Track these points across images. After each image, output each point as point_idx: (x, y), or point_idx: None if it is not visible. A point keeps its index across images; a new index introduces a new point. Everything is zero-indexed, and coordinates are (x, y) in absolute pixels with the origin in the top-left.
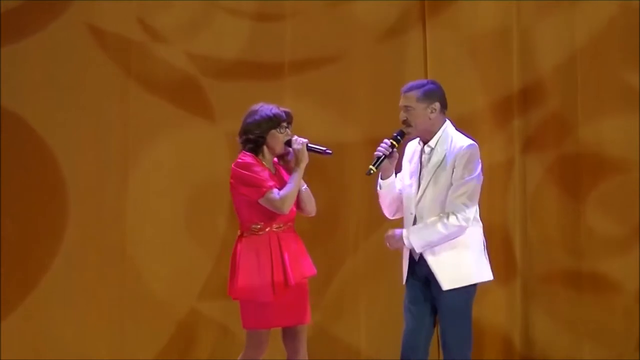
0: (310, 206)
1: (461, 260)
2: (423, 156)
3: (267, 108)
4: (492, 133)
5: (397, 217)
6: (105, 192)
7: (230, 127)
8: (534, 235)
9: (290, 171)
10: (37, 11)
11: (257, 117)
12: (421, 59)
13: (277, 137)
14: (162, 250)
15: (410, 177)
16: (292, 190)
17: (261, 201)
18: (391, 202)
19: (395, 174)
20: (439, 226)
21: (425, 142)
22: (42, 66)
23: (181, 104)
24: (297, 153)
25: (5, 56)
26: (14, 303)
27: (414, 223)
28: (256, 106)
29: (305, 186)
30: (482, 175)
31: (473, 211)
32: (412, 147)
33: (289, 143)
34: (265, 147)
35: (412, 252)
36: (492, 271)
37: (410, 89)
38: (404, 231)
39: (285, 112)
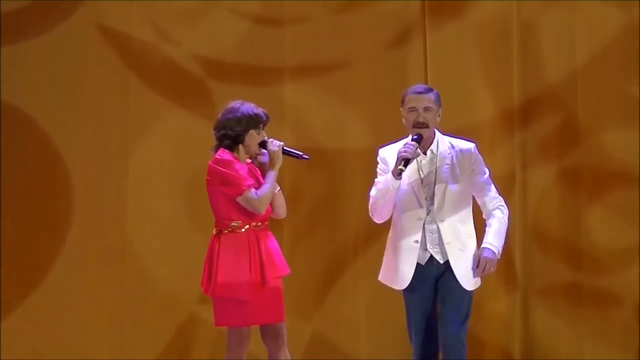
0: (282, 209)
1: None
2: (423, 161)
3: (248, 106)
4: (494, 146)
5: (385, 219)
6: (106, 192)
7: None
8: (534, 248)
9: (264, 172)
10: (45, 11)
11: (238, 114)
12: (422, 66)
13: (254, 137)
14: (163, 250)
15: (411, 183)
16: (269, 191)
17: (239, 199)
18: (392, 206)
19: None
20: (504, 223)
21: (423, 147)
22: (48, 65)
23: (184, 104)
24: (272, 155)
25: (11, 55)
26: (14, 303)
27: (424, 227)
28: (236, 103)
29: (278, 188)
30: None
31: None
32: (393, 153)
33: (264, 144)
34: (241, 146)
35: (419, 258)
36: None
37: (429, 91)
38: (491, 245)
39: (264, 113)
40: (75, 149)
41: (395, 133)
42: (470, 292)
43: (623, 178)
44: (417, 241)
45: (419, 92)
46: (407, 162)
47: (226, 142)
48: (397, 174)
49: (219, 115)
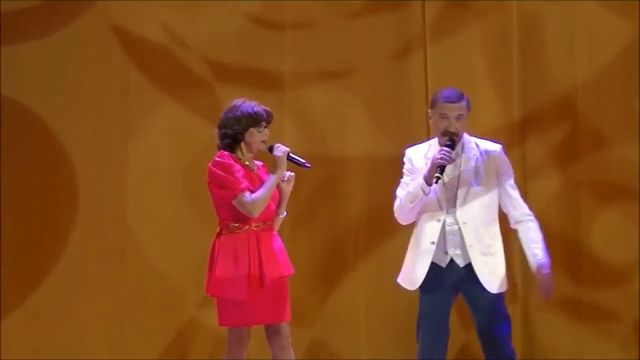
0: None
1: (500, 265)
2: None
3: (248, 105)
4: None
5: (411, 222)
6: (106, 192)
7: None
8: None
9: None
10: (49, 12)
11: (237, 112)
12: (422, 77)
13: (255, 136)
14: (163, 250)
15: (434, 185)
16: (264, 195)
17: (234, 202)
18: (419, 210)
19: None
20: (538, 229)
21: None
22: (51, 64)
23: (190, 105)
24: (276, 160)
25: (12, 54)
26: (15, 303)
27: (444, 229)
28: (238, 101)
29: (285, 214)
30: None
31: None
32: (419, 153)
33: (271, 149)
34: (243, 144)
35: (439, 260)
36: None
37: (461, 98)
38: (540, 259)
39: (266, 111)
40: (80, 148)
41: (396, 144)
42: (500, 292)
43: (624, 192)
44: (433, 242)
45: (452, 101)
46: (443, 168)
47: (226, 141)
48: (434, 181)
49: (222, 114)
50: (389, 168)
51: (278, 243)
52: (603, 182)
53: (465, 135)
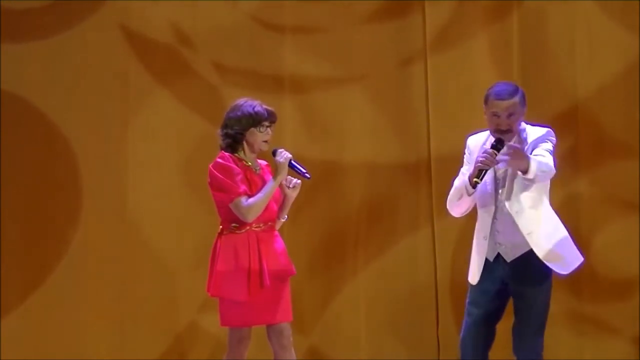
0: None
1: (565, 242)
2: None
3: (249, 105)
4: None
5: (463, 214)
6: (106, 192)
7: None
8: None
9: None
10: (68, 10)
11: (238, 112)
12: (423, 86)
13: (256, 136)
14: (163, 250)
15: (486, 179)
16: (261, 200)
17: (230, 206)
18: (467, 207)
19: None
20: (549, 165)
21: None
22: (63, 64)
23: (194, 107)
24: (278, 166)
25: (13, 53)
26: (15, 303)
27: (495, 219)
28: (240, 101)
29: (286, 217)
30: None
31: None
32: (477, 143)
33: (274, 153)
34: (245, 144)
35: (489, 254)
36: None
37: (513, 94)
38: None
39: (268, 110)
40: (85, 148)
41: (396, 151)
42: (545, 297)
43: (625, 208)
44: (485, 237)
45: (502, 98)
46: (483, 173)
47: (227, 141)
48: (473, 185)
49: (225, 113)
50: (388, 173)
51: (279, 243)
52: (604, 196)
53: (522, 125)
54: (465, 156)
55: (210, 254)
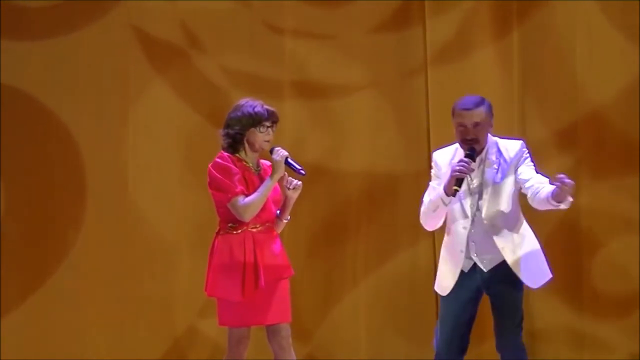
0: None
1: (538, 256)
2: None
3: (250, 105)
4: None
5: (436, 228)
6: (106, 191)
7: None
8: (535, 292)
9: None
10: (80, 10)
11: (239, 112)
12: (423, 90)
13: (256, 136)
14: (163, 250)
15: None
16: (258, 199)
17: (228, 205)
18: (442, 219)
19: None
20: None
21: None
22: (73, 63)
23: (200, 110)
24: (274, 164)
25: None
26: (15, 303)
27: (471, 232)
28: (242, 101)
29: (288, 218)
30: None
31: None
32: (445, 157)
33: (271, 152)
34: (245, 144)
35: (463, 266)
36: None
37: (478, 105)
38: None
39: (268, 111)
40: (90, 148)
41: (395, 159)
42: (521, 294)
43: (626, 225)
44: (462, 250)
45: (467, 109)
46: (461, 181)
47: (228, 141)
48: (452, 194)
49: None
50: (389, 180)
51: (277, 245)
52: (604, 210)
53: (490, 138)
54: (433, 171)
55: (208, 254)
